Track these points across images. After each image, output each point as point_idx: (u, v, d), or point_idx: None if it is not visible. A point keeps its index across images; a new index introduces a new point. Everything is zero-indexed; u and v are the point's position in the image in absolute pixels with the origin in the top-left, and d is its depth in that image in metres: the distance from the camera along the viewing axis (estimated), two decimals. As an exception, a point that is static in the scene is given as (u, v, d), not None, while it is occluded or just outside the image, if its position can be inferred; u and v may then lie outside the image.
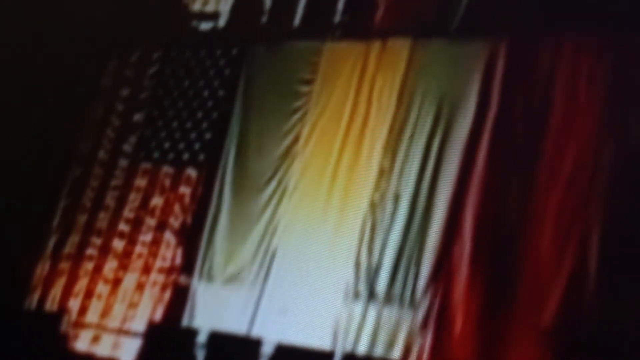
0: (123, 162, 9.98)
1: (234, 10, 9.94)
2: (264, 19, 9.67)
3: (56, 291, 9.64)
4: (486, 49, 8.25)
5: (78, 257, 9.70)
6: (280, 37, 9.49)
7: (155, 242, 9.40)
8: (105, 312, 9.31)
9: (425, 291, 7.70)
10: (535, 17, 8.10)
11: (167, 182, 9.62)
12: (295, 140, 8.95)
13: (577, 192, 7.40)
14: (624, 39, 7.61)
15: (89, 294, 9.48)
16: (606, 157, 7.35)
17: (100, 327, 9.25)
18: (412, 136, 8.34)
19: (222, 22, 9.95)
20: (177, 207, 9.44)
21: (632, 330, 6.87)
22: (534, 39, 8.10)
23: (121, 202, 9.77)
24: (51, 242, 9.91)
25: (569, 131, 7.62)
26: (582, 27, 7.84)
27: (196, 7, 10.22)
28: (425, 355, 7.49)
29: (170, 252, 9.28)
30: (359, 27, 9.08)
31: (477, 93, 8.15)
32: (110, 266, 9.49)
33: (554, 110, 7.74)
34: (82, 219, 9.89)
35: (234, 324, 8.38)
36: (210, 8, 10.10)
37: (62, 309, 9.43)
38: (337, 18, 9.21)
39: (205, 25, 10.06)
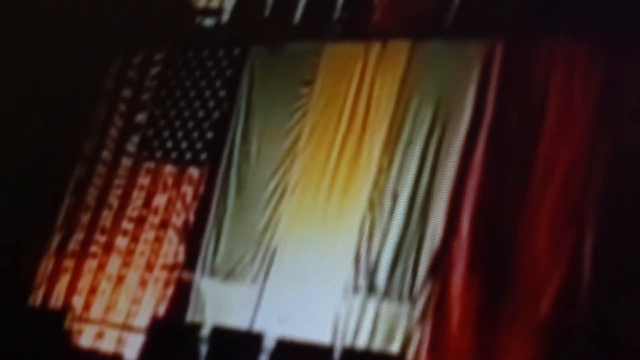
0: (126, 162, 10.10)
1: (237, 6, 10.07)
2: (266, 14, 9.79)
3: (60, 288, 9.74)
4: (483, 50, 8.38)
5: (82, 255, 9.80)
6: (281, 33, 9.60)
7: (158, 240, 9.51)
8: (109, 309, 9.41)
9: (423, 286, 7.82)
10: (530, 18, 8.22)
11: (170, 181, 9.73)
12: (296, 139, 9.07)
13: (572, 189, 7.50)
14: (618, 40, 7.72)
15: (92, 291, 9.58)
16: (601, 157, 7.46)
17: (104, 323, 9.36)
18: (410, 135, 8.48)
19: (225, 18, 10.08)
20: (179, 206, 9.57)
21: (626, 325, 6.97)
22: (530, 41, 8.20)
23: (124, 200, 9.87)
24: (55, 240, 10.00)
25: (564, 130, 7.72)
26: (577, 28, 7.96)
27: (200, 3, 10.34)
28: (423, 349, 7.60)
29: (172, 249, 9.39)
30: (358, 26, 9.21)
31: (474, 93, 8.27)
32: (113, 263, 9.60)
33: (549, 111, 7.84)
34: (86, 217, 9.99)
35: (236, 319, 8.49)
36: (214, 4, 10.22)
37: (66, 306, 9.53)
38: (337, 15, 9.36)
39: (209, 21, 10.18)
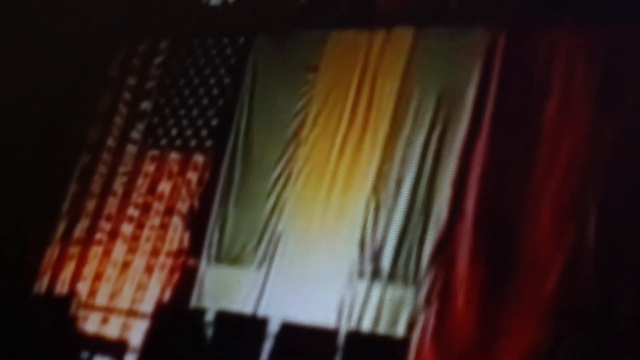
0: (131, 149, 10.14)
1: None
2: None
3: (66, 275, 9.78)
4: (486, 39, 8.43)
5: (87, 242, 9.85)
6: (288, 14, 9.62)
7: (163, 226, 9.55)
8: (114, 295, 9.45)
9: (428, 270, 7.86)
10: (533, 9, 8.26)
11: (175, 168, 9.77)
12: (301, 125, 9.11)
13: (576, 173, 7.56)
14: (619, 26, 7.77)
15: (98, 277, 9.62)
16: (604, 140, 7.52)
17: (109, 309, 9.40)
18: (414, 121, 8.51)
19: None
20: (184, 192, 9.60)
21: (629, 307, 7.02)
22: (532, 31, 8.26)
23: (130, 187, 9.92)
24: (61, 227, 10.04)
25: (567, 115, 7.79)
26: (579, 18, 8.00)
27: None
28: (428, 332, 7.63)
29: (177, 235, 9.43)
30: (362, 11, 9.22)
31: (477, 81, 8.33)
32: (119, 250, 9.64)
33: (552, 94, 7.91)
34: (91, 204, 10.03)
35: (241, 305, 8.54)
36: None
37: (72, 292, 9.54)
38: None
39: (215, 1, 10.18)
